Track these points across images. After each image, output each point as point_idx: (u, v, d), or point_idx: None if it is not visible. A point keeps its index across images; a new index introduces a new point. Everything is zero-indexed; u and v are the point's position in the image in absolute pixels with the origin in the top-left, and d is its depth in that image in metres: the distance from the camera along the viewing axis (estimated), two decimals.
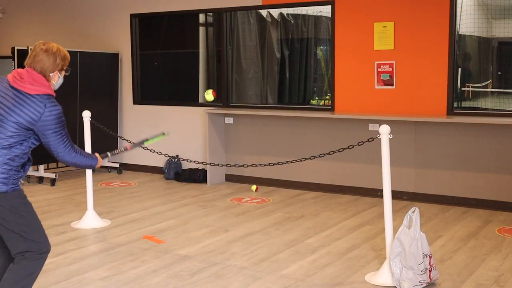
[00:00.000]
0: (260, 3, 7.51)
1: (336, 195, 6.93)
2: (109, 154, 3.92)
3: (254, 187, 7.12)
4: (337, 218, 5.83)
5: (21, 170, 3.25)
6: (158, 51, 8.91)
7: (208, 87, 8.72)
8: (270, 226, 5.54)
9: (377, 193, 6.70)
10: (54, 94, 3.48)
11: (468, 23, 6.75)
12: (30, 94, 3.29)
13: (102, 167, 8.60)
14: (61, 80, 3.61)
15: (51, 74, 3.46)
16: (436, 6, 6.43)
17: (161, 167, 8.22)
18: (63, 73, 3.59)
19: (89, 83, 8.20)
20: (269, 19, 8.19)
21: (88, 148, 5.59)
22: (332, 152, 4.97)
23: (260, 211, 6.15)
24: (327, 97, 7.74)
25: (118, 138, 8.52)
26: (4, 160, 3.13)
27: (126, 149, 4.07)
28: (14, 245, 3.19)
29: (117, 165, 8.47)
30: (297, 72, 8.33)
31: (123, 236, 5.20)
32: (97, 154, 3.62)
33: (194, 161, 5.98)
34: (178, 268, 4.35)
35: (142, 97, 8.67)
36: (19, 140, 3.21)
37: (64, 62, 3.53)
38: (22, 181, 3.33)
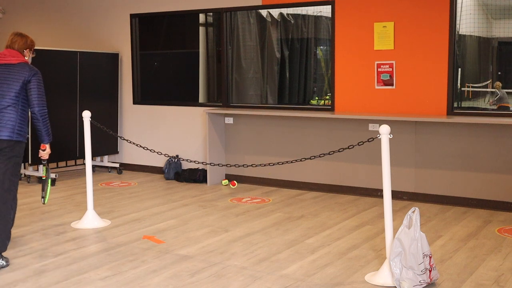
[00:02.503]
0: (260, 3, 7.51)
1: (336, 195, 6.93)
2: (46, 165, 5.02)
3: (225, 181, 7.03)
4: (337, 218, 5.83)
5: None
6: (158, 51, 8.91)
7: (208, 87, 8.73)
8: (270, 226, 5.54)
9: (377, 193, 6.70)
10: (25, 60, 4.67)
11: (468, 23, 6.75)
12: (13, 64, 4.58)
13: (101, 167, 8.63)
14: (30, 59, 4.78)
15: (24, 51, 4.72)
16: (436, 6, 6.43)
17: (161, 167, 8.22)
18: (28, 55, 4.77)
19: (89, 83, 8.21)
20: (269, 19, 8.19)
21: (88, 148, 5.59)
22: (332, 152, 4.97)
23: (260, 211, 6.15)
24: (327, 97, 7.74)
25: (118, 138, 8.53)
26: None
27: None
28: None
29: (117, 165, 8.47)
30: (297, 72, 8.33)
31: (123, 236, 5.20)
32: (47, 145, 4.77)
33: (194, 161, 5.98)
34: (178, 268, 4.35)
35: (142, 97, 8.67)
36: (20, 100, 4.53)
37: (32, 44, 4.81)
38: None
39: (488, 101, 6.90)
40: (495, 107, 6.80)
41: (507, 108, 6.75)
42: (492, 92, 6.90)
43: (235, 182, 6.81)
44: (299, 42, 8.29)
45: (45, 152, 4.81)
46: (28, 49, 4.74)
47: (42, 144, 4.76)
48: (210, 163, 6.29)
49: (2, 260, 4.38)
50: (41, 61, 7.56)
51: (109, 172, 8.55)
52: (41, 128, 4.64)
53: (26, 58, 4.69)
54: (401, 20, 6.63)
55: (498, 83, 6.79)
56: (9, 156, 4.46)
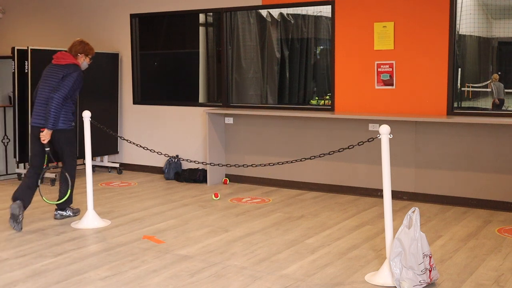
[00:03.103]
0: (260, 3, 7.51)
1: (336, 195, 6.93)
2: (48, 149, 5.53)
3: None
4: (337, 218, 5.83)
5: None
6: (158, 51, 8.91)
7: (208, 87, 8.73)
8: (270, 226, 5.54)
9: (377, 193, 6.70)
10: (74, 61, 5.59)
11: (468, 23, 6.75)
12: (62, 64, 5.54)
13: (101, 167, 8.63)
14: (85, 64, 5.73)
15: (79, 55, 5.64)
16: (436, 6, 6.43)
17: (161, 167, 8.22)
18: (83, 59, 5.67)
19: (89, 83, 8.18)
20: (269, 19, 8.19)
21: (88, 148, 5.58)
22: (332, 152, 4.97)
23: (260, 211, 6.15)
24: (327, 97, 7.74)
25: (118, 138, 8.53)
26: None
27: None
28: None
29: (117, 165, 8.47)
30: (297, 72, 8.33)
31: (123, 236, 5.20)
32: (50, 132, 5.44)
33: (194, 161, 5.98)
34: (178, 268, 4.35)
35: (142, 97, 8.67)
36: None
37: (89, 51, 5.70)
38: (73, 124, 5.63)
39: (492, 99, 6.88)
40: (497, 102, 6.80)
41: (501, 101, 6.77)
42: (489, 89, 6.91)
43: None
44: (299, 42, 8.29)
45: (43, 134, 5.43)
46: (83, 54, 5.65)
47: (43, 127, 5.44)
48: (210, 163, 6.29)
49: (69, 211, 5.78)
50: (41, 61, 7.56)
51: (109, 172, 8.55)
52: (48, 112, 5.38)
53: (75, 59, 5.60)
54: (401, 20, 6.63)
55: (496, 76, 6.78)
56: (60, 142, 5.55)
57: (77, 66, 5.59)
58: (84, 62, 5.71)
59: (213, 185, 7.51)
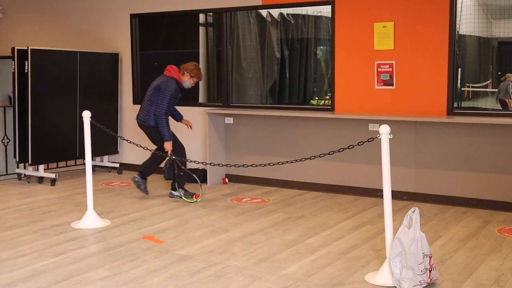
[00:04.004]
0: (260, 3, 7.51)
1: (336, 195, 6.93)
2: (173, 157, 6.44)
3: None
4: (337, 218, 5.83)
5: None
6: (158, 51, 8.91)
7: (208, 87, 8.73)
8: (270, 226, 5.54)
9: (377, 193, 6.70)
10: (177, 77, 6.49)
11: (468, 23, 6.75)
12: (165, 75, 6.51)
13: (101, 167, 8.63)
14: (188, 84, 6.57)
15: (186, 72, 6.51)
16: (436, 6, 6.43)
17: (161, 167, 8.21)
18: (188, 78, 6.53)
19: (89, 83, 8.21)
20: (269, 19, 8.19)
21: (88, 148, 5.58)
22: (332, 152, 4.97)
23: (260, 211, 6.15)
24: (327, 97, 7.74)
25: (118, 138, 8.52)
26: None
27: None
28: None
29: (117, 165, 8.47)
30: (297, 72, 8.33)
31: (123, 236, 5.20)
32: (171, 143, 6.43)
33: (194, 161, 5.98)
34: (178, 268, 4.35)
35: (142, 97, 8.64)
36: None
37: (196, 74, 6.57)
38: None
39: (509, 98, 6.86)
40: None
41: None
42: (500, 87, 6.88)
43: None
44: (299, 42, 8.29)
45: (164, 146, 6.41)
46: (189, 74, 6.49)
47: (169, 142, 6.43)
48: (210, 163, 6.29)
49: (181, 192, 6.60)
50: (41, 61, 7.57)
51: (109, 172, 8.55)
52: (159, 128, 6.40)
53: (182, 77, 6.49)
54: (401, 20, 6.63)
55: (509, 75, 6.77)
56: (153, 136, 6.55)
57: (177, 80, 6.45)
58: (187, 81, 6.51)
59: (213, 185, 7.51)
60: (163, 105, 6.35)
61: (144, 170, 6.79)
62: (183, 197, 6.59)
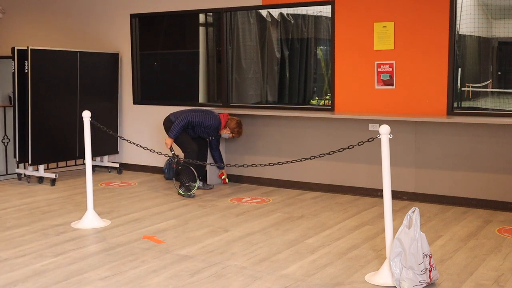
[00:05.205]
0: (260, 3, 7.51)
1: (336, 195, 6.93)
2: (173, 152, 6.90)
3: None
4: (337, 218, 5.83)
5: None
6: (158, 51, 8.91)
7: (208, 87, 8.73)
8: (270, 226, 5.54)
9: (377, 193, 6.70)
10: (220, 127, 7.05)
11: (468, 23, 6.75)
12: (217, 118, 7.09)
13: (101, 167, 8.63)
14: (226, 135, 7.12)
15: (227, 127, 7.03)
16: (436, 6, 6.43)
17: (161, 167, 8.22)
18: (229, 133, 7.06)
19: (89, 83, 8.21)
20: (269, 19, 8.19)
21: (88, 148, 5.58)
22: (332, 152, 4.97)
23: (260, 211, 6.15)
24: (327, 97, 7.74)
25: (118, 138, 8.52)
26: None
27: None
28: None
29: (117, 165, 8.47)
30: (297, 72, 8.33)
31: (123, 236, 5.20)
32: (172, 140, 6.89)
33: (194, 161, 5.97)
34: (178, 268, 4.35)
35: (142, 97, 8.67)
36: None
37: (232, 130, 7.05)
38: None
39: None
40: None
41: None
42: None
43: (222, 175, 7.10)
44: (299, 42, 8.29)
45: (166, 141, 6.90)
46: (229, 129, 7.02)
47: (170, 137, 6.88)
48: (210, 163, 6.29)
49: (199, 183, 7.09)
50: (41, 61, 7.57)
51: (109, 172, 8.55)
52: (173, 124, 6.90)
53: (223, 127, 7.03)
54: (401, 20, 6.63)
55: None
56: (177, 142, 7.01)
57: (219, 124, 6.99)
58: (226, 134, 7.05)
59: (213, 185, 7.50)
60: (191, 119, 6.87)
61: (179, 179, 6.98)
62: (181, 192, 6.79)
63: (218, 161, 7.26)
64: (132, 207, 6.34)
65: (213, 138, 7.17)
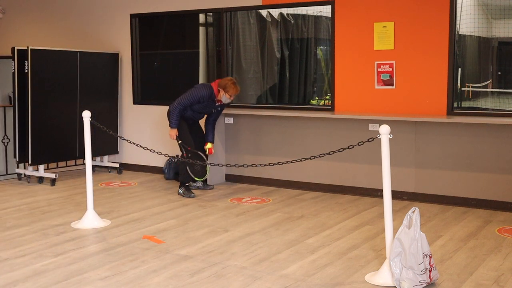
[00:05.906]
0: (260, 3, 7.51)
1: (336, 195, 6.93)
2: (180, 141, 6.77)
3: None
4: (337, 218, 5.83)
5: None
6: (158, 51, 8.91)
7: None
8: (270, 226, 5.54)
9: (377, 193, 6.70)
10: (214, 93, 6.76)
11: (468, 23, 6.75)
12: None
13: (101, 167, 8.63)
14: (225, 99, 6.79)
15: (220, 90, 6.76)
16: (436, 6, 6.43)
17: (161, 167, 8.22)
18: (225, 94, 6.71)
19: (89, 83, 8.21)
20: (269, 19, 8.19)
21: (88, 148, 5.58)
22: (332, 152, 4.97)
23: (260, 211, 6.15)
24: (327, 97, 7.74)
25: (118, 138, 8.52)
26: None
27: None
28: None
29: (117, 165, 8.47)
30: (297, 72, 8.33)
31: (123, 236, 5.20)
32: (175, 130, 6.78)
33: (194, 162, 5.97)
34: (178, 268, 4.35)
35: (142, 97, 8.67)
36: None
37: (226, 87, 6.68)
38: None
39: None
40: None
41: None
42: None
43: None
44: (299, 42, 8.29)
45: (170, 133, 6.80)
46: (223, 89, 6.68)
47: (173, 129, 6.78)
48: (210, 163, 6.29)
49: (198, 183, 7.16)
50: (41, 61, 7.57)
51: (109, 172, 8.55)
52: (169, 114, 6.82)
53: (217, 90, 6.73)
54: (401, 20, 6.63)
55: None
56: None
57: (212, 90, 6.73)
58: (224, 96, 6.73)
59: (213, 185, 7.50)
60: (183, 101, 6.72)
61: (180, 179, 6.97)
62: (182, 194, 6.85)
63: (209, 134, 7.06)
64: (132, 207, 6.34)
65: (218, 109, 6.97)
